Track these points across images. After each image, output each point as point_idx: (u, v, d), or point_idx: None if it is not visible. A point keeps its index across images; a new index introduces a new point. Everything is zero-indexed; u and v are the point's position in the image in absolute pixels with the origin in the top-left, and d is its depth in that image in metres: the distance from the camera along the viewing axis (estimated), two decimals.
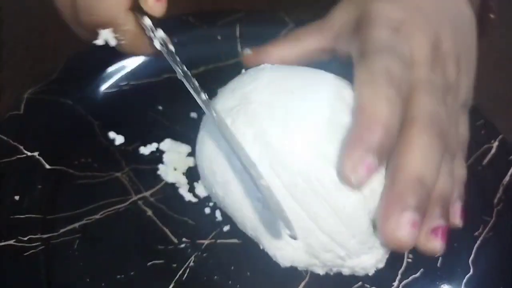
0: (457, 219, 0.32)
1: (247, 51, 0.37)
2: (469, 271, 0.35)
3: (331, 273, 0.33)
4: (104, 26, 0.31)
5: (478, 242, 0.36)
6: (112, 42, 0.32)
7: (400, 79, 0.28)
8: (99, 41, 0.30)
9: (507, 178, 0.39)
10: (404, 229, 0.25)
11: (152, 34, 0.32)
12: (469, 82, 0.35)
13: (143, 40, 0.34)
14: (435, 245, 0.28)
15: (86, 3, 0.31)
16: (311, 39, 0.36)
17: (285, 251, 0.30)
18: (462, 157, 0.35)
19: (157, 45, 0.33)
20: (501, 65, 0.48)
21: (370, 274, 0.32)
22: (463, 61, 0.34)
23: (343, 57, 0.34)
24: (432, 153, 0.28)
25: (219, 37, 0.47)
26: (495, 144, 0.40)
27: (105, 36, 0.29)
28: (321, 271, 0.32)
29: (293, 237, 0.27)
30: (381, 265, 0.33)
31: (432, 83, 0.30)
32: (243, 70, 0.35)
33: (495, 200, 0.38)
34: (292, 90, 0.30)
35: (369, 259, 0.32)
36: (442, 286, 0.34)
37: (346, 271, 0.32)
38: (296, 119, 0.29)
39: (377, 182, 0.28)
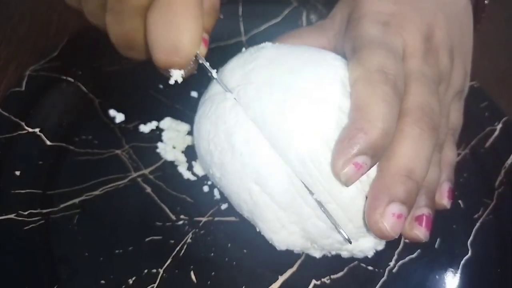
0: (444, 200, 0.32)
1: None
2: (467, 253, 0.35)
3: (329, 255, 0.33)
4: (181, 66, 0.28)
5: (478, 224, 0.36)
6: (180, 80, 0.29)
7: (395, 75, 0.28)
8: (171, 81, 0.29)
9: (509, 161, 0.38)
10: (389, 221, 0.26)
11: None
12: (463, 70, 0.34)
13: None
14: (419, 232, 0.29)
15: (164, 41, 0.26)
16: (312, 38, 0.36)
17: (280, 235, 0.30)
18: (453, 141, 0.35)
19: None
20: (507, 46, 0.47)
21: (369, 256, 0.32)
22: (457, 49, 0.34)
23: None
24: (423, 146, 0.28)
25: (221, 16, 0.47)
26: (499, 126, 0.40)
27: (176, 77, 0.29)
28: (317, 254, 0.33)
29: (349, 241, 0.28)
30: (380, 247, 0.33)
31: (424, 74, 0.30)
32: (243, 49, 0.35)
33: (496, 183, 0.38)
34: (292, 70, 0.30)
35: (367, 242, 0.32)
36: (439, 267, 0.34)
37: (345, 254, 0.32)
38: (294, 100, 0.29)
39: (374, 168, 0.28)
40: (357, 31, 0.31)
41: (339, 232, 0.28)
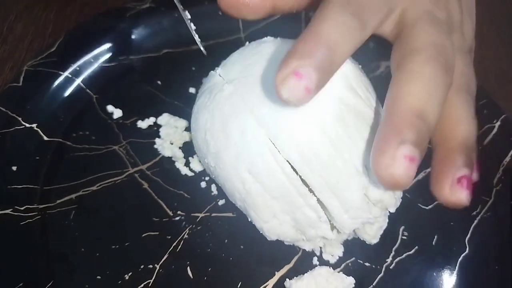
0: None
1: None
2: (465, 250, 0.35)
3: (317, 253, 0.33)
4: None
5: (476, 221, 0.36)
6: None
7: (361, 5, 0.25)
8: None
9: (507, 158, 0.38)
10: (401, 164, 0.22)
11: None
12: (472, 26, 0.32)
13: None
14: (462, 196, 0.25)
15: None
16: None
17: (271, 224, 0.30)
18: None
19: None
20: (507, 45, 0.47)
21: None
22: (466, 3, 0.31)
23: None
24: (436, 86, 0.24)
25: (220, 13, 0.47)
26: (497, 124, 0.40)
27: None
28: (307, 247, 0.33)
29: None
30: (374, 241, 0.33)
31: (435, 16, 0.27)
32: (247, 43, 0.35)
33: (495, 180, 0.37)
34: None
35: (362, 234, 0.32)
36: (436, 264, 0.34)
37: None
38: None
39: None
40: None
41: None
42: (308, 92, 0.23)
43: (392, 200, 0.30)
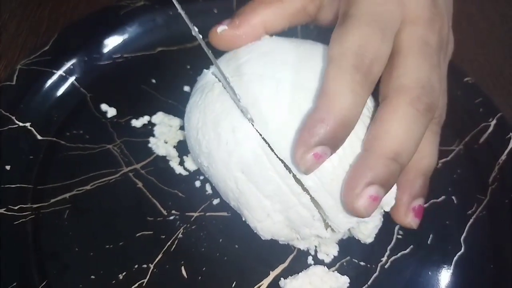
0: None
1: (222, 28, 0.32)
2: (461, 249, 0.34)
3: (312, 253, 0.33)
4: None
5: (471, 220, 0.36)
6: None
7: (372, 59, 0.26)
8: None
9: (503, 157, 0.38)
10: (364, 202, 0.25)
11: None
12: (451, 34, 0.32)
13: None
14: (413, 222, 0.30)
15: None
16: None
17: (265, 224, 0.30)
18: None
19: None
20: (501, 43, 0.47)
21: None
22: (450, 18, 0.32)
23: (325, 19, 0.32)
24: (416, 128, 0.26)
25: (215, 11, 0.47)
26: (493, 122, 0.40)
27: None
28: (302, 246, 0.33)
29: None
30: (369, 240, 0.33)
31: (428, 43, 0.28)
32: None
33: (490, 179, 0.37)
34: (286, 62, 0.30)
35: (357, 232, 0.32)
36: (432, 263, 0.34)
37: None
38: (287, 91, 0.29)
39: None
40: None
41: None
42: (323, 161, 0.26)
43: (388, 199, 0.29)
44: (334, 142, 0.26)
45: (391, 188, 0.27)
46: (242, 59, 0.31)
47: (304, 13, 0.32)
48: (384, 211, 0.31)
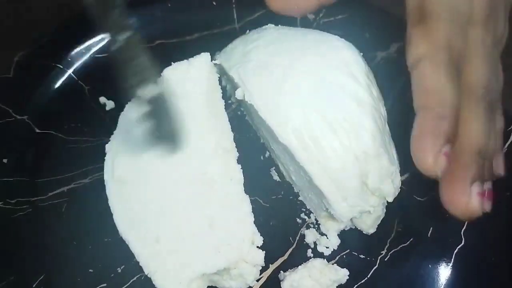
0: (501, 169, 0.31)
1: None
2: (461, 242, 0.34)
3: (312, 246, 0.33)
4: None
5: None
6: None
7: (459, 51, 0.27)
8: None
9: (504, 149, 0.37)
10: (477, 201, 0.26)
11: None
12: (505, 19, 0.32)
13: None
14: (486, 206, 0.28)
15: None
16: None
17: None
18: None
19: None
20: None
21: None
22: (508, 6, 0.32)
23: None
24: (487, 124, 0.28)
25: (214, 3, 0.46)
26: None
27: None
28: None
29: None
30: (371, 230, 0.33)
31: (486, 45, 0.29)
32: (248, 31, 0.35)
33: None
34: (292, 51, 0.30)
35: (360, 222, 0.32)
36: (432, 256, 0.34)
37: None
38: (294, 77, 0.29)
39: (371, 145, 0.28)
40: None
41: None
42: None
43: (391, 190, 0.29)
44: (452, 136, 0.26)
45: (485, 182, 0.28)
46: (249, 46, 0.32)
47: None
48: (387, 201, 0.30)
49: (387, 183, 0.29)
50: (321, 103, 0.28)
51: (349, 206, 0.29)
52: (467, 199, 0.26)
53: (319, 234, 0.34)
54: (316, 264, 0.31)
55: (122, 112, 0.32)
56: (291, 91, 0.28)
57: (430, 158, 0.25)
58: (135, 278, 0.32)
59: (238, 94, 0.30)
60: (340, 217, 0.29)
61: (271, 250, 0.33)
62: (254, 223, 0.30)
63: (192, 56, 0.33)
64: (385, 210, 0.32)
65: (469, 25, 0.29)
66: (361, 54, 0.32)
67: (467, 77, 0.28)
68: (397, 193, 0.30)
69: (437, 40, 0.27)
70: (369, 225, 0.32)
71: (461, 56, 0.28)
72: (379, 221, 0.32)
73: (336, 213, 0.29)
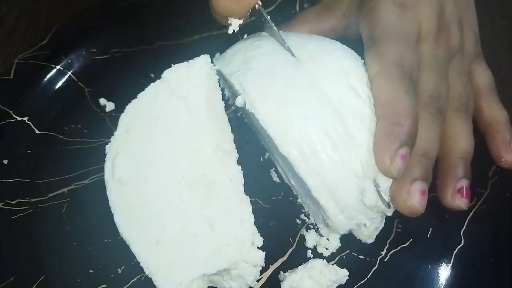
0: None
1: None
2: (460, 243, 0.34)
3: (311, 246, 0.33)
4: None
5: (471, 213, 0.36)
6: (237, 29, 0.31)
7: (411, 67, 0.29)
8: (229, 31, 0.31)
9: None
10: (416, 197, 0.28)
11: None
12: (473, 34, 0.35)
13: None
14: (461, 203, 0.31)
15: None
16: (321, 21, 0.36)
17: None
18: (496, 99, 0.36)
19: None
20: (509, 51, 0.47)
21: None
22: (465, 16, 0.34)
23: (352, 34, 0.34)
24: (433, 128, 0.30)
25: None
26: None
27: (234, 26, 0.31)
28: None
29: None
30: (370, 241, 0.33)
31: (435, 56, 0.31)
32: (245, 35, 0.35)
33: (490, 173, 0.37)
34: (293, 61, 0.30)
35: (358, 234, 0.32)
36: (431, 256, 0.34)
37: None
38: (295, 89, 0.29)
39: (370, 158, 0.28)
40: (373, 16, 0.31)
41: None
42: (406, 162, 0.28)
43: (387, 207, 0.29)
44: (411, 141, 0.28)
45: (430, 182, 0.30)
46: (250, 53, 0.31)
47: (333, 31, 0.36)
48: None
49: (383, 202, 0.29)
50: (321, 116, 0.28)
51: (346, 219, 0.29)
52: (406, 196, 0.28)
53: (319, 235, 0.34)
54: (316, 264, 0.31)
55: (122, 113, 0.32)
56: (292, 102, 0.28)
57: (387, 160, 0.27)
58: (135, 279, 0.32)
59: (239, 102, 0.30)
60: (337, 229, 0.30)
61: (271, 250, 0.33)
62: (254, 224, 0.30)
63: (192, 58, 0.33)
64: (384, 221, 0.32)
65: (419, 42, 0.31)
66: (363, 61, 0.31)
67: (418, 87, 0.30)
68: (395, 208, 0.30)
69: (387, 58, 0.29)
70: (367, 236, 0.32)
71: (415, 69, 0.30)
72: (378, 232, 0.32)
73: (333, 225, 0.29)
